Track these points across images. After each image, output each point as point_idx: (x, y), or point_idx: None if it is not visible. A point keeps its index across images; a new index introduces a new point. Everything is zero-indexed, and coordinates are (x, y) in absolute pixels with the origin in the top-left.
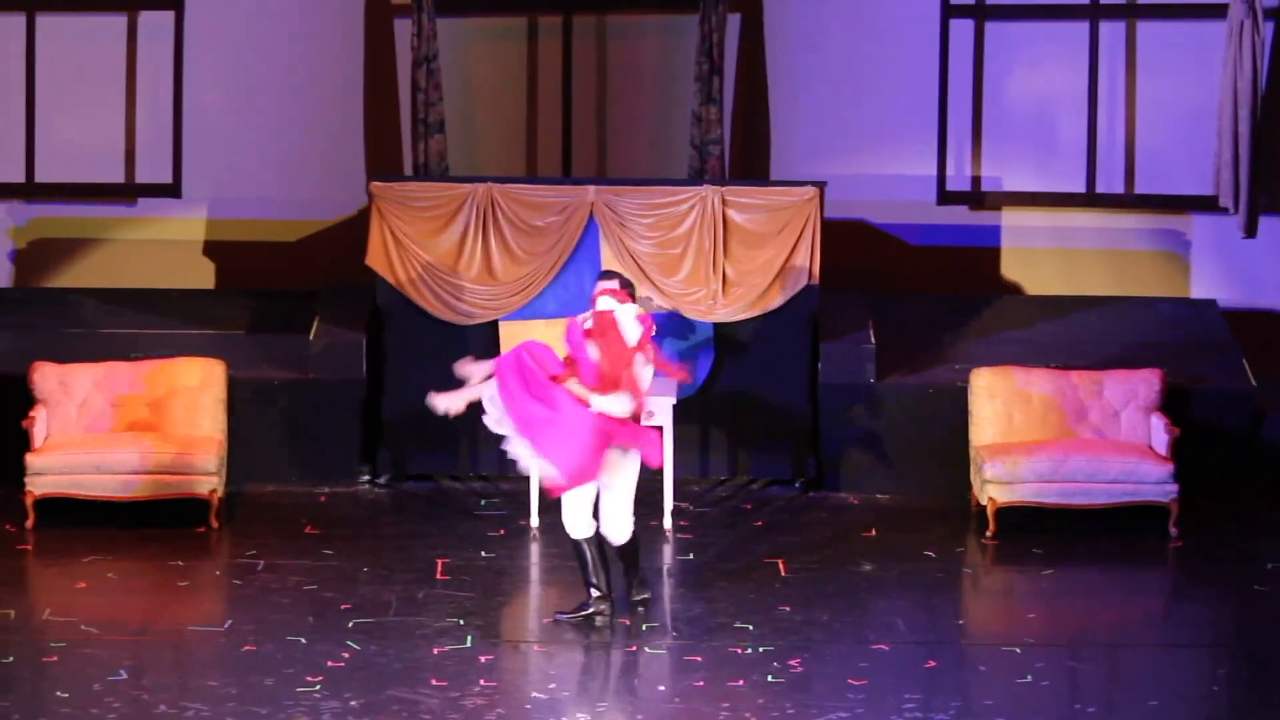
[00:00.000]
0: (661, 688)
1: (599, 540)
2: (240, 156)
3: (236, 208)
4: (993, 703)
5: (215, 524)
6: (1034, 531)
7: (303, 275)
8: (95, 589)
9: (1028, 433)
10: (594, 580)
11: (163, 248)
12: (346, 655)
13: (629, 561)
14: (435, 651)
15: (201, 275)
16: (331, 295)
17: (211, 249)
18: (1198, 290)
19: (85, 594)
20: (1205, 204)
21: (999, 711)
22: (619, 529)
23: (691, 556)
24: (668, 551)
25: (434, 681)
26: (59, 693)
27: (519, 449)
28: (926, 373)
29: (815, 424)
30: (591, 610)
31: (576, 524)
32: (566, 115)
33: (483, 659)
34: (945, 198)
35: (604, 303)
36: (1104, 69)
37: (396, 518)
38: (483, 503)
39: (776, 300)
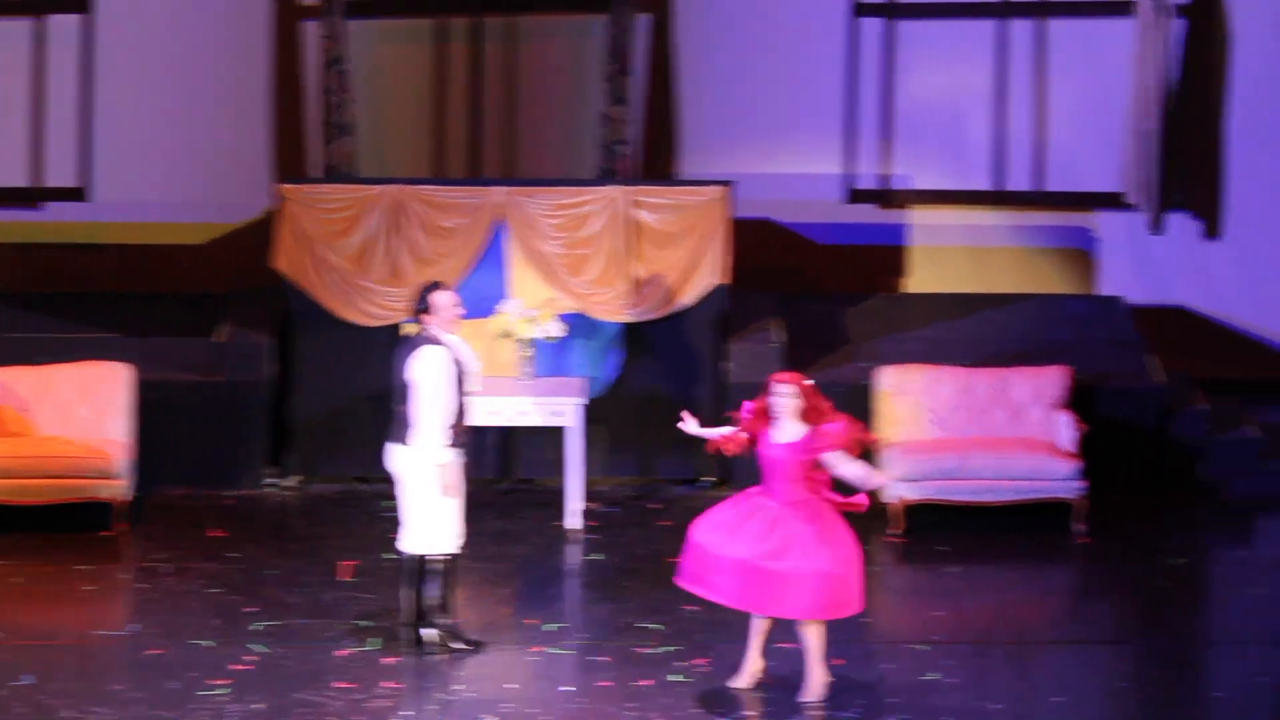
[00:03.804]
0: (567, 688)
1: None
2: (148, 160)
3: (145, 211)
4: (899, 700)
5: (122, 528)
6: (941, 529)
7: (211, 278)
8: (0, 594)
9: (935, 430)
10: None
11: (70, 251)
12: (252, 658)
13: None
14: (340, 654)
15: (109, 278)
16: (240, 298)
17: (120, 252)
18: (1105, 287)
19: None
20: (1113, 201)
21: (906, 709)
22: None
23: (599, 557)
24: (575, 552)
25: (339, 684)
26: None
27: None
28: (834, 371)
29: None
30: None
31: (452, 536)
32: (475, 116)
33: (387, 661)
34: (854, 196)
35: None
36: (1013, 67)
37: (303, 520)
38: (386, 505)
39: (685, 300)
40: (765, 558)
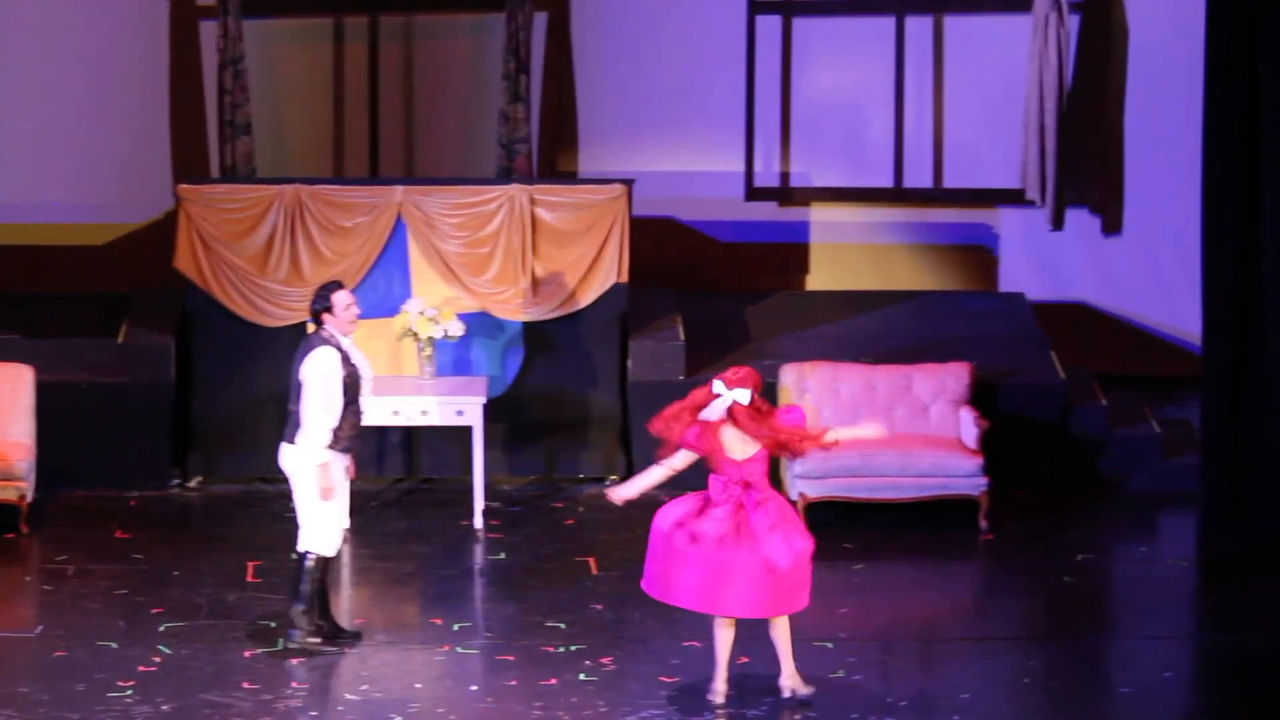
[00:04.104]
0: (474, 687)
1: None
2: (45, 160)
3: (44, 212)
4: (806, 697)
5: (25, 529)
6: (845, 526)
7: (113, 279)
8: None
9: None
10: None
11: None
12: (158, 660)
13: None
14: (247, 655)
15: (7, 280)
16: (140, 298)
17: (17, 253)
18: (1006, 284)
19: None
20: (1012, 197)
21: (812, 706)
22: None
23: (503, 556)
24: (479, 551)
25: (246, 685)
26: None
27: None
28: None
29: (625, 421)
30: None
31: (335, 538)
32: (374, 115)
33: (294, 661)
34: (753, 194)
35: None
36: (911, 64)
37: (207, 521)
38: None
39: (585, 299)
40: (723, 557)
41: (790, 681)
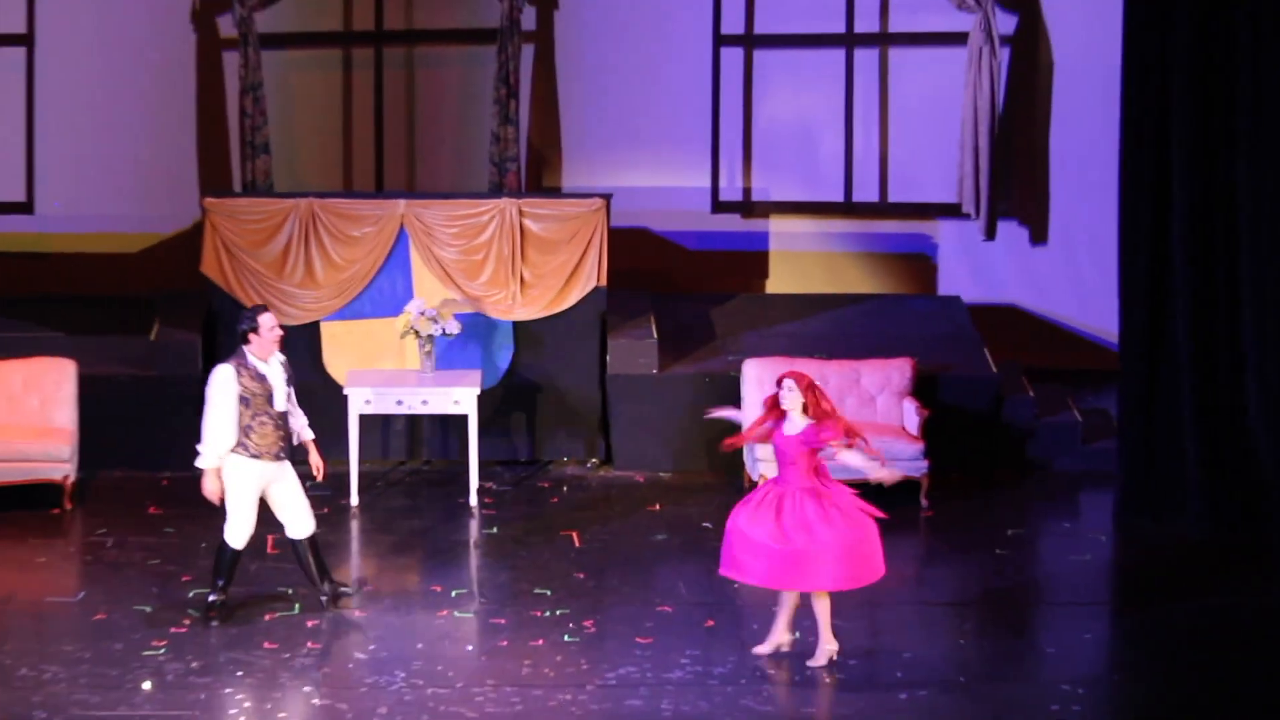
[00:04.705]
0: (470, 647)
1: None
2: (87, 176)
3: (83, 223)
4: (767, 658)
5: (68, 506)
6: None
7: (145, 283)
8: None
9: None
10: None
11: (18, 259)
12: (187, 622)
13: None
14: (267, 618)
15: (53, 283)
16: (170, 300)
17: (62, 260)
18: (944, 287)
19: None
20: (950, 210)
21: (772, 665)
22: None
23: (495, 530)
24: (474, 526)
25: (266, 644)
26: None
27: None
28: (703, 364)
29: (605, 410)
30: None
31: (241, 534)
32: (379, 136)
33: (309, 624)
34: (719, 207)
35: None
36: (859, 91)
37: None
38: (308, 484)
39: (569, 300)
40: (785, 539)
41: (827, 648)
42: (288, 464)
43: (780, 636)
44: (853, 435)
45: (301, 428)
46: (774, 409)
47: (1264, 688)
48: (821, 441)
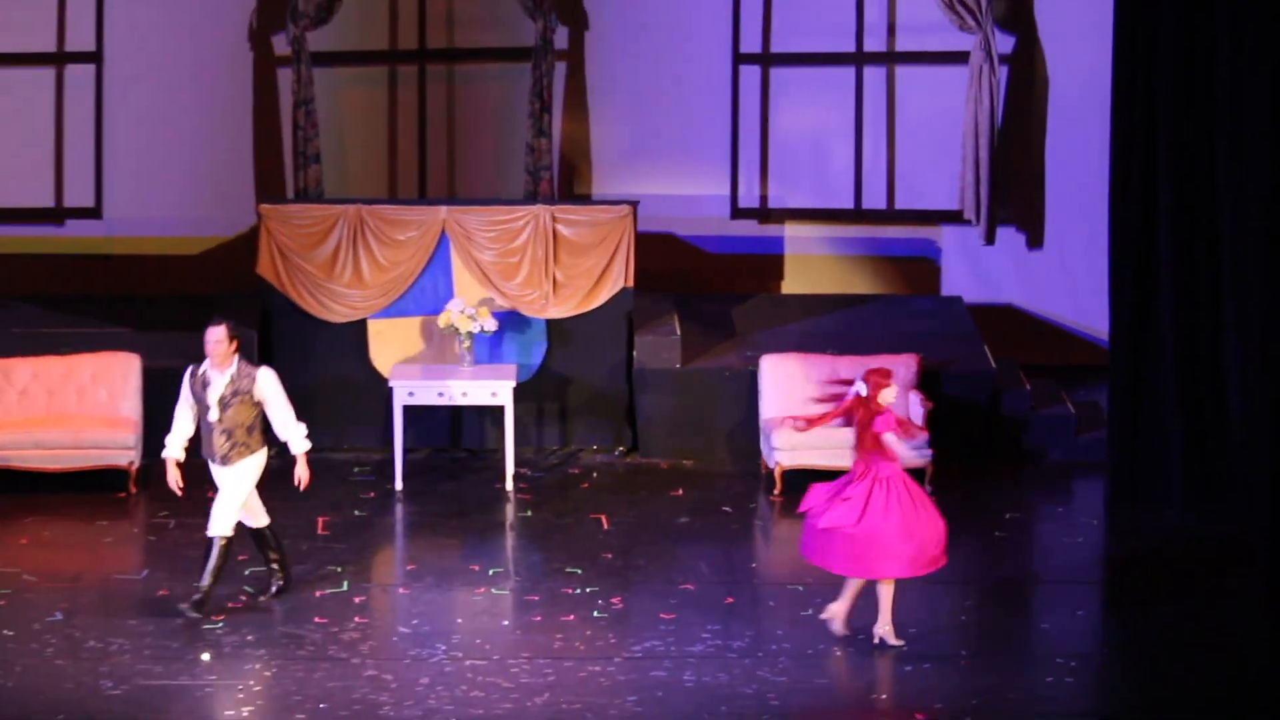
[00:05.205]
0: (505, 622)
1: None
2: (151, 184)
3: (148, 226)
4: (781, 632)
5: (133, 490)
6: None
7: (204, 282)
8: (35, 545)
9: (807, 408)
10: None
11: (87, 260)
12: (244, 598)
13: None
14: (317, 594)
15: (120, 283)
16: (228, 298)
17: (127, 261)
18: (947, 289)
19: (26, 549)
20: (952, 217)
21: (786, 639)
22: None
23: (529, 513)
24: (509, 509)
25: (317, 619)
26: (5, 631)
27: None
28: (723, 359)
29: (631, 402)
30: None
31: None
32: (422, 147)
33: (357, 600)
34: (737, 213)
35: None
36: (868, 106)
37: (285, 483)
38: (356, 470)
39: (598, 300)
40: (855, 526)
41: (883, 630)
42: (228, 469)
43: (848, 606)
44: (902, 430)
45: (291, 440)
46: (860, 406)
47: (1242, 662)
48: (877, 430)
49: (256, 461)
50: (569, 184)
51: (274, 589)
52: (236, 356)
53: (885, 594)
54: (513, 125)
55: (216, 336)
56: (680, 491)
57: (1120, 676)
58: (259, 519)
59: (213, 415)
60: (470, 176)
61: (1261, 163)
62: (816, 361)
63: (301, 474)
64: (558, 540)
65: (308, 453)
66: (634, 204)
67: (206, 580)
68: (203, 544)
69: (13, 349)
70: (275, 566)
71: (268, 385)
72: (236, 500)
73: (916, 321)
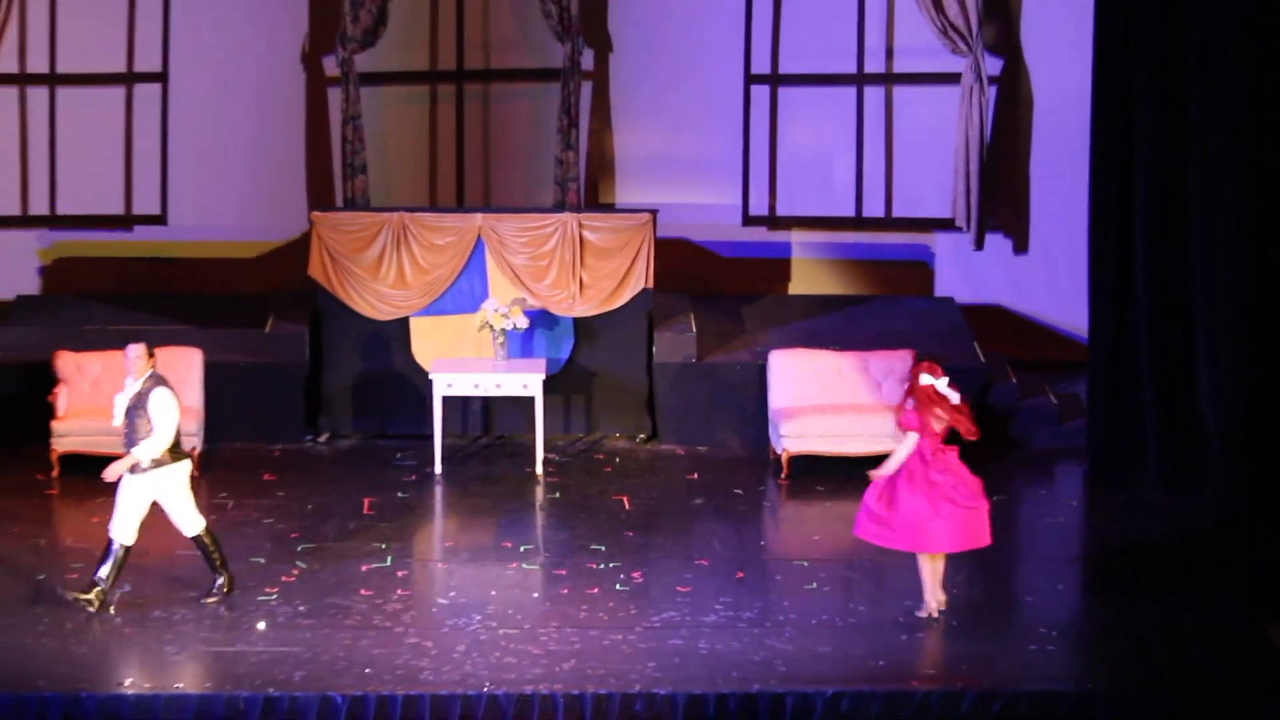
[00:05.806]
0: (535, 595)
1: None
2: (212, 193)
3: (209, 232)
4: (788, 604)
5: (196, 474)
6: (817, 474)
7: (259, 283)
8: (105, 523)
9: (812, 399)
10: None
11: (153, 263)
12: (296, 572)
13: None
14: (363, 569)
15: (183, 283)
16: (281, 299)
17: (190, 264)
18: (940, 290)
19: (98, 526)
20: (945, 224)
21: (792, 610)
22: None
23: (558, 495)
24: (539, 491)
25: (363, 591)
26: None
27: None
28: (734, 354)
29: (651, 393)
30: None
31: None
32: (459, 159)
33: (399, 574)
34: (748, 220)
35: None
36: (868, 123)
37: (333, 467)
38: (399, 455)
39: (621, 300)
40: (906, 506)
41: (934, 603)
42: (133, 477)
43: (936, 597)
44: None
45: (137, 446)
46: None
47: (1216, 629)
48: (903, 425)
49: (165, 474)
50: (594, 193)
51: (215, 592)
52: (150, 372)
53: (938, 569)
54: (543, 140)
55: (136, 353)
56: (695, 475)
57: (1097, 644)
58: (192, 528)
59: (116, 421)
60: (504, 186)
61: (1229, 171)
62: (820, 357)
63: (114, 466)
64: (583, 519)
65: (135, 463)
66: (654, 212)
67: (102, 575)
68: (244, 525)
69: (86, 344)
70: (218, 569)
71: (156, 403)
72: (131, 510)
73: (912, 320)
